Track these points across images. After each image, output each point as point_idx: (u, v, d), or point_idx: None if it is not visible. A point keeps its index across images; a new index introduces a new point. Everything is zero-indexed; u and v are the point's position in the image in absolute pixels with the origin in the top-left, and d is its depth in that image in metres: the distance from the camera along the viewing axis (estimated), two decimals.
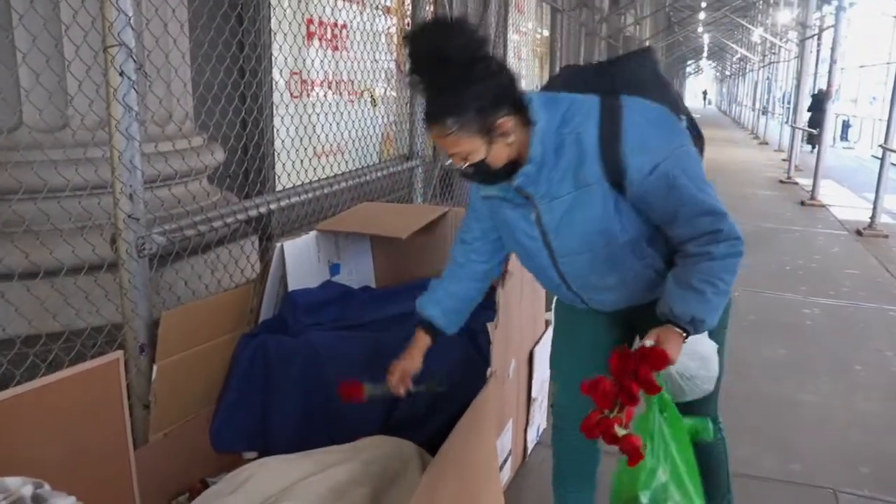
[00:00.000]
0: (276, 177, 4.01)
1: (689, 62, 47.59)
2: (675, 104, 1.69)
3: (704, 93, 58.97)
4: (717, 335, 1.76)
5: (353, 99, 4.78)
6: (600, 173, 1.54)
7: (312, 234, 2.60)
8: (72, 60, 2.36)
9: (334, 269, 2.72)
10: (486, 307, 2.09)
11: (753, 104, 24.15)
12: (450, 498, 1.64)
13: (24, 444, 1.72)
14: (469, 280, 1.94)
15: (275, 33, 3.84)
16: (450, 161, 1.57)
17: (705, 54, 44.39)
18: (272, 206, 2.69)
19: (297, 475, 1.84)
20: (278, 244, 2.42)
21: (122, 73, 1.94)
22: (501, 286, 2.09)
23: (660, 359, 1.47)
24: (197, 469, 2.27)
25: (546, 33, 9.57)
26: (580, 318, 1.88)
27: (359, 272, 2.86)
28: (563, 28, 8.63)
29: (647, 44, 16.57)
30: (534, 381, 2.54)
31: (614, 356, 1.50)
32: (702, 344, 1.65)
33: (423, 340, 1.98)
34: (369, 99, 4.88)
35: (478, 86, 1.46)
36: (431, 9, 4.23)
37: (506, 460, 2.37)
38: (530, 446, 2.65)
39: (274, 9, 3.80)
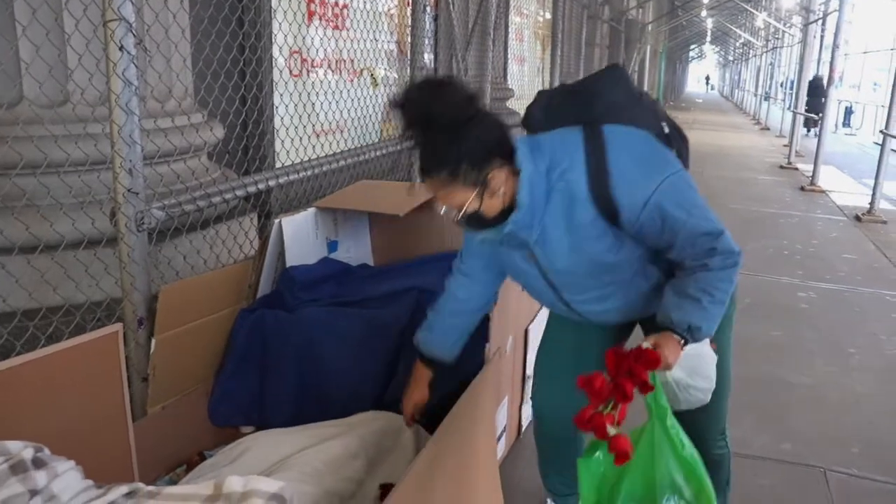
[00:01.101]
0: (276, 154, 4.02)
1: (692, 47, 47.36)
2: (654, 116, 1.73)
3: (707, 78, 58.75)
4: (720, 349, 1.78)
5: (352, 78, 4.77)
6: (594, 213, 1.58)
7: (311, 210, 2.61)
8: (71, 34, 2.36)
9: (332, 245, 2.74)
10: None
11: (756, 89, 24.07)
12: (449, 472, 1.67)
13: (24, 414, 1.73)
14: (472, 313, 1.97)
15: (275, 11, 3.84)
16: (444, 209, 1.59)
17: (708, 39, 44.15)
18: (271, 183, 2.70)
19: (292, 448, 1.87)
20: (277, 220, 2.43)
21: (121, 48, 1.94)
22: None
23: (654, 359, 1.49)
24: (195, 442, 2.29)
25: (549, 16, 9.53)
26: (571, 320, 1.89)
27: (357, 249, 2.88)
28: (565, 11, 8.58)
29: (649, 28, 16.52)
30: (528, 359, 2.56)
31: (610, 354, 1.52)
32: (700, 356, 1.67)
33: (426, 373, 2.01)
34: (369, 78, 4.87)
35: (468, 143, 1.48)
36: None
37: (500, 436, 2.39)
38: (525, 423, 2.67)
39: None
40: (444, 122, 1.47)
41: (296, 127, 3.96)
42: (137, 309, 2.13)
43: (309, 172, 2.94)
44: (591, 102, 1.70)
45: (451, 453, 1.68)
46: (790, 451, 2.76)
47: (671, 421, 1.59)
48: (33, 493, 1.12)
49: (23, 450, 1.19)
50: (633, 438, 1.55)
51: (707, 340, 1.66)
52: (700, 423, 1.92)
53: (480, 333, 2.07)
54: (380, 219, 2.91)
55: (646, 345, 1.53)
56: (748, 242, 6.12)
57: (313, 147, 3.85)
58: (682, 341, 1.57)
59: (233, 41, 3.51)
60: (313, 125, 4.34)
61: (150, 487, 1.19)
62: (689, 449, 1.62)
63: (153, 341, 2.11)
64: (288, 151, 3.81)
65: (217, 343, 2.38)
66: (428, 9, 3.85)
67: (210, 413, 2.38)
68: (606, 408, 1.48)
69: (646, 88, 18.43)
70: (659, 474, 1.58)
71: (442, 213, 1.61)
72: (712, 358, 1.71)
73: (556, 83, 7.67)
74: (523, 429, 2.66)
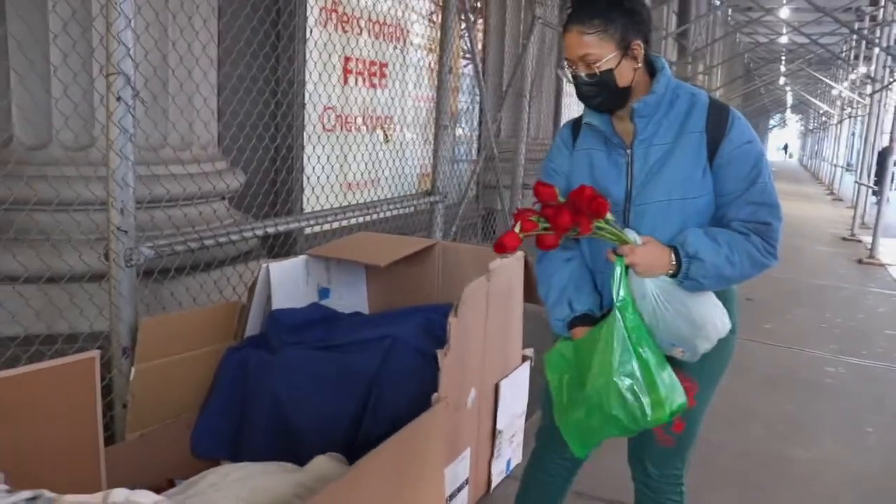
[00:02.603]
0: (303, 204, 4.21)
1: (772, 114, 46.65)
2: None
3: (785, 146, 57.62)
4: (698, 399, 1.80)
5: (364, 133, 4.92)
6: (704, 126, 1.69)
7: (302, 257, 2.75)
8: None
9: (323, 293, 2.86)
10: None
11: (831, 159, 23.53)
12: None
13: None
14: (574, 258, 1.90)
15: (310, 72, 4.06)
16: (572, 70, 1.71)
17: (789, 107, 43.47)
18: (269, 231, 2.86)
19: (235, 480, 1.95)
20: (264, 264, 2.57)
21: (119, 99, 2.13)
22: (454, 315, 2.18)
23: (600, 210, 1.60)
24: (170, 470, 2.40)
25: None
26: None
27: (350, 297, 2.99)
28: None
29: (717, 94, 16.43)
30: (499, 414, 2.60)
31: (578, 189, 1.64)
32: (698, 296, 1.68)
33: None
34: (381, 134, 5.05)
35: (627, 7, 1.66)
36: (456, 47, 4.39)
37: (460, 488, 2.43)
38: (496, 479, 2.70)
39: (311, 52, 4.03)
40: None
41: (327, 177, 4.15)
42: (122, 339, 2.28)
43: (305, 223, 3.09)
44: None
45: (369, 489, 1.74)
46: None
47: (632, 314, 1.64)
48: None
49: None
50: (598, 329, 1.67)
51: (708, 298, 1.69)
52: (657, 457, 1.93)
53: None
54: (377, 270, 3.03)
55: (635, 235, 1.64)
56: (787, 313, 6.00)
57: (345, 198, 4.04)
58: (675, 265, 1.63)
59: (271, 97, 3.76)
60: (345, 177, 4.54)
61: (52, 495, 1.30)
62: (648, 348, 1.65)
63: (132, 370, 2.25)
64: (318, 199, 3.98)
65: (202, 377, 2.50)
66: (451, 70, 3.98)
67: (192, 445, 2.50)
68: (539, 219, 1.64)
69: None
70: (615, 360, 1.62)
71: (568, 71, 1.73)
72: (714, 309, 1.70)
73: None
74: (493, 485, 2.69)
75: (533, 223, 1.66)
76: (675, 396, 1.66)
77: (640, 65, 1.69)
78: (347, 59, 4.59)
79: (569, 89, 8.37)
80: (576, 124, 1.89)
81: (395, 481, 1.89)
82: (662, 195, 1.71)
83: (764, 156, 1.72)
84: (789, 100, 37.50)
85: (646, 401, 1.63)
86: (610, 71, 1.66)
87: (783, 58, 22.71)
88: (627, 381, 1.63)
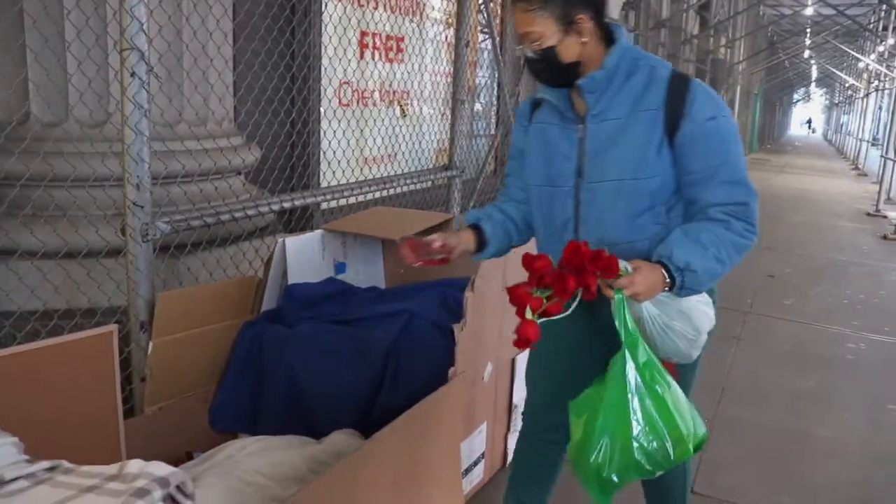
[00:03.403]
0: (320, 179, 4.20)
1: (796, 88, 45.97)
2: None
3: (808, 121, 56.80)
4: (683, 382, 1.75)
5: (381, 108, 4.89)
6: (662, 102, 1.63)
7: (318, 232, 2.75)
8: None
9: (339, 267, 2.86)
10: None
11: (857, 134, 23.19)
12: (375, 482, 1.74)
13: (17, 402, 1.89)
14: (509, 214, 1.96)
15: (325, 46, 4.04)
16: (521, 47, 1.68)
17: (813, 81, 42.81)
18: (285, 205, 2.85)
19: (250, 454, 1.97)
20: (280, 239, 2.57)
21: (133, 74, 2.13)
22: (471, 289, 2.17)
23: (610, 268, 1.47)
24: (189, 443, 2.42)
25: None
26: (564, 329, 1.83)
27: (367, 273, 2.99)
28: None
29: (740, 68, 16.20)
30: (516, 389, 2.60)
31: (571, 244, 1.53)
32: (689, 302, 1.64)
33: (468, 234, 1.89)
34: (398, 109, 5.02)
35: None
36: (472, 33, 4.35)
37: (476, 462, 2.44)
38: (512, 453, 2.70)
39: (326, 26, 4.00)
40: None
41: (344, 152, 4.14)
42: (140, 313, 2.30)
43: (322, 198, 3.08)
44: None
45: (384, 463, 1.74)
46: None
47: (643, 349, 1.55)
48: None
49: None
50: (609, 369, 1.56)
51: (694, 300, 1.64)
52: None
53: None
54: (393, 244, 3.01)
55: (623, 263, 1.52)
56: (809, 290, 5.94)
57: (362, 173, 4.02)
58: (668, 282, 1.56)
59: (286, 71, 3.74)
60: (362, 152, 4.53)
61: (70, 465, 1.31)
62: (662, 381, 1.55)
63: (150, 344, 2.27)
64: (335, 174, 3.98)
65: (219, 352, 2.52)
66: (469, 44, 3.95)
67: (211, 418, 2.52)
68: (542, 292, 1.49)
69: None
70: (631, 408, 1.53)
71: (519, 49, 1.70)
72: (705, 315, 1.67)
73: None
74: (509, 459, 2.69)
75: (538, 299, 1.51)
76: (697, 429, 1.59)
77: (586, 39, 1.64)
78: (364, 34, 4.55)
79: None
80: (536, 98, 1.87)
81: (411, 456, 1.90)
82: (614, 174, 1.67)
83: (732, 131, 1.66)
84: (814, 73, 36.90)
85: (668, 444, 1.54)
86: (552, 48, 1.63)
87: (808, 30, 22.31)
88: (646, 428, 1.53)
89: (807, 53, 27.29)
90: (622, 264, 1.53)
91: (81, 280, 2.51)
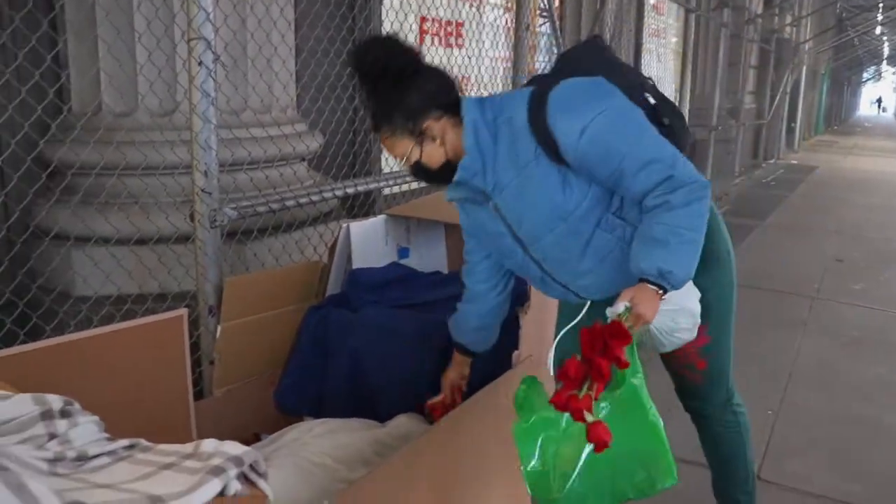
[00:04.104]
0: (381, 165, 4.24)
1: (866, 67, 44.35)
2: (634, 86, 1.71)
3: (878, 100, 54.79)
4: (718, 322, 1.77)
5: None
6: (534, 147, 1.60)
7: (381, 217, 2.77)
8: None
9: (402, 252, 2.88)
10: None
11: None
12: (444, 469, 1.75)
13: (93, 384, 1.96)
14: (484, 300, 2.04)
15: (387, 32, 4.05)
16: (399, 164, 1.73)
17: (885, 58, 41.23)
18: (349, 191, 2.88)
19: (318, 437, 2.00)
20: (344, 224, 2.60)
21: (200, 63, 2.17)
22: None
23: (625, 335, 1.46)
24: (256, 424, 2.49)
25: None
26: (580, 321, 1.89)
27: (430, 257, 3.00)
28: (700, 30, 8.37)
29: (806, 47, 15.68)
30: None
31: (584, 332, 1.50)
32: (678, 296, 1.62)
33: (462, 359, 2.14)
34: None
35: (407, 94, 1.61)
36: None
37: None
38: None
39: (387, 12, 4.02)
40: (382, 73, 1.59)
41: None
42: (208, 298, 2.35)
43: (384, 184, 3.10)
44: (561, 70, 1.75)
45: (449, 449, 1.75)
46: (856, 494, 2.61)
47: (640, 380, 1.51)
48: (52, 436, 1.31)
49: (55, 402, 1.39)
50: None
51: (690, 283, 1.61)
52: (692, 393, 2.00)
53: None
54: (456, 229, 3.02)
55: (621, 305, 1.50)
56: (880, 274, 5.74)
57: None
58: (660, 290, 1.53)
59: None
60: None
61: (148, 444, 1.36)
62: (654, 412, 1.52)
63: (219, 328, 2.32)
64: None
65: (285, 335, 2.56)
66: (529, 27, 3.91)
67: (276, 401, 2.57)
68: (582, 390, 1.46)
69: (800, 111, 17.49)
70: (628, 438, 1.49)
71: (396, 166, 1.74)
72: (695, 294, 1.67)
73: (687, 104, 7.51)
74: None
75: (586, 398, 1.46)
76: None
77: (441, 139, 1.66)
78: (423, 20, 4.56)
79: (650, 45, 8.14)
80: None
81: (478, 441, 1.91)
82: (543, 228, 1.67)
83: (614, 122, 1.56)
84: (885, 51, 35.50)
85: (655, 472, 1.51)
86: (418, 161, 1.67)
87: (881, 4, 21.44)
88: (641, 459, 1.52)
89: (878, 30, 26.25)
90: (621, 307, 1.52)
91: (153, 266, 2.59)
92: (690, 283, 1.64)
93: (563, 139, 1.56)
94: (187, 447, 1.30)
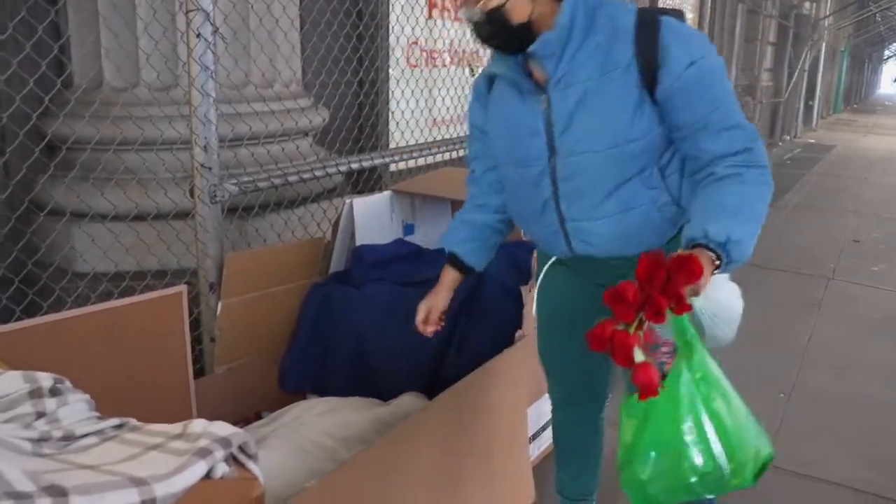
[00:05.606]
0: (388, 140, 4.18)
1: (888, 44, 43.65)
2: None
3: None
4: None
5: (451, 69, 4.82)
6: (632, 56, 1.46)
7: (386, 193, 2.72)
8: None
9: (408, 228, 2.83)
10: None
11: None
12: (446, 445, 1.71)
13: (91, 361, 1.93)
14: (487, 212, 1.87)
15: (393, 4, 3.98)
16: (464, 10, 1.48)
17: None
18: (353, 166, 2.82)
19: (318, 416, 1.97)
20: (348, 200, 2.55)
21: (198, 35, 2.11)
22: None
23: (695, 271, 1.22)
24: (258, 402, 2.45)
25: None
26: (568, 298, 1.78)
27: (435, 234, 2.95)
28: (717, 5, 8.21)
29: (826, 23, 15.41)
30: None
31: (642, 260, 1.24)
32: (721, 287, 1.43)
33: (450, 275, 1.91)
34: (468, 70, 4.93)
35: None
36: None
37: (546, 426, 2.39)
38: None
39: None
40: None
41: (412, 113, 4.09)
42: (209, 274, 2.31)
43: (390, 159, 3.05)
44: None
45: (447, 426, 1.71)
46: (869, 481, 2.53)
47: (699, 362, 1.33)
48: (40, 415, 1.28)
49: (45, 380, 1.36)
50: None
51: (727, 278, 1.44)
52: None
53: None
54: (462, 206, 2.97)
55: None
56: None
57: (431, 134, 3.96)
58: (717, 261, 1.33)
59: (352, 31, 3.70)
60: (431, 113, 4.47)
61: (137, 423, 1.32)
62: (722, 404, 1.33)
63: (219, 305, 2.28)
64: (403, 135, 3.94)
65: (287, 312, 2.52)
66: None
67: (280, 379, 2.54)
68: (631, 326, 1.22)
69: (818, 89, 17.22)
70: (682, 426, 1.32)
71: (462, 14, 1.49)
72: (735, 289, 1.47)
73: None
74: None
75: (635, 335, 1.22)
76: (761, 449, 1.37)
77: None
78: None
79: None
80: (491, 73, 1.70)
81: (475, 418, 1.87)
82: (590, 144, 1.51)
83: (717, 71, 1.48)
84: None
85: (725, 469, 1.33)
86: (499, 8, 1.44)
87: None
88: (700, 449, 1.32)
89: None
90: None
91: (152, 242, 2.55)
92: (736, 287, 1.48)
93: (672, 63, 1.44)
94: (176, 427, 1.27)
